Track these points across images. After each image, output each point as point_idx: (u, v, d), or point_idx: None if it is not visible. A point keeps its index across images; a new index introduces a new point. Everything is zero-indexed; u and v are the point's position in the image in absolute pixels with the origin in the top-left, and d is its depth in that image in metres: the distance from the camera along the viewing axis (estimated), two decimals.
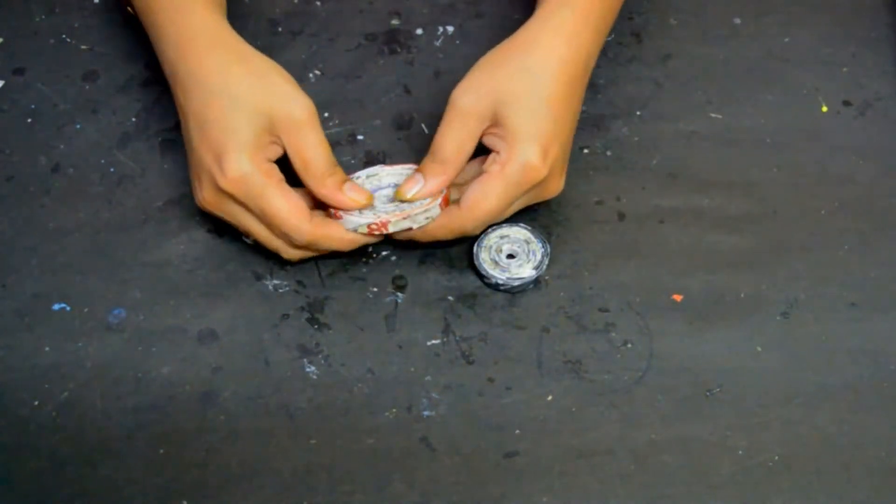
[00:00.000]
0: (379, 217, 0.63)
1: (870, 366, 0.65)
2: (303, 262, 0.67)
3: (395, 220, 0.63)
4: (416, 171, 0.64)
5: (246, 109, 0.61)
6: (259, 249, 0.67)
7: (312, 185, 0.63)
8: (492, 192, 0.62)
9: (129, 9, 0.72)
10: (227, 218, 0.64)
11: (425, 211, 0.63)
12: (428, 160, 0.64)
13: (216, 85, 0.62)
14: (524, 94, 0.63)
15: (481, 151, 0.65)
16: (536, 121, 0.62)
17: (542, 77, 0.63)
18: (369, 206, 0.64)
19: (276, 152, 0.63)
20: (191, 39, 0.64)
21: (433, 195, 0.64)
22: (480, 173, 0.64)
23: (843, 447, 0.62)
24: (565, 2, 0.66)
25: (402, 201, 0.64)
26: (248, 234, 0.65)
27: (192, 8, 0.65)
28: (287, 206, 0.61)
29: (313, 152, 0.62)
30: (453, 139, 0.63)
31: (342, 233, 0.63)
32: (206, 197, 0.63)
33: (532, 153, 0.62)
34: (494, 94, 0.63)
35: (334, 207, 0.63)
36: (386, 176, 0.67)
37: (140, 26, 0.77)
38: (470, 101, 0.63)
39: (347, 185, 0.63)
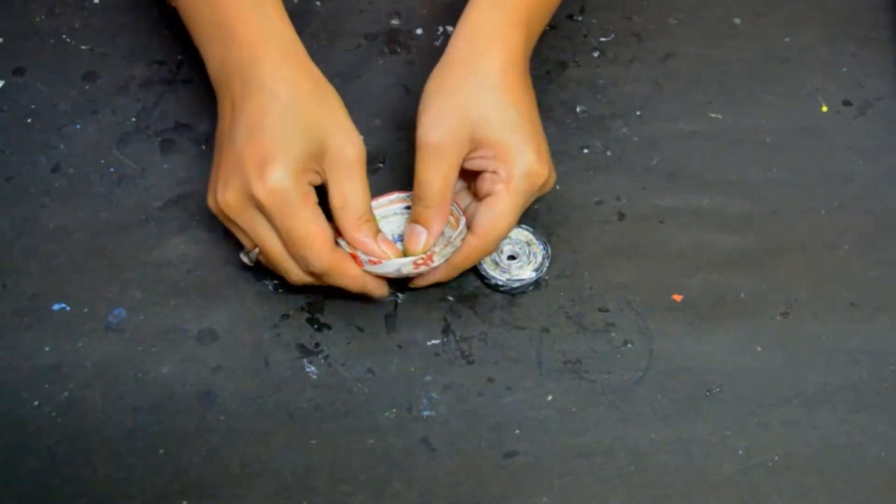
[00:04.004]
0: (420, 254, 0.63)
1: (870, 366, 0.65)
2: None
3: (439, 250, 0.63)
4: (411, 223, 0.64)
5: (305, 128, 0.60)
6: (257, 265, 0.66)
7: (347, 226, 0.62)
8: (506, 211, 0.62)
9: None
10: (242, 226, 0.62)
11: (459, 233, 0.63)
12: (420, 207, 0.63)
13: (283, 95, 0.61)
14: (494, 110, 0.62)
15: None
16: (517, 128, 0.62)
17: (500, 86, 0.63)
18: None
19: (315, 180, 0.62)
20: (264, 43, 0.63)
21: (438, 236, 0.63)
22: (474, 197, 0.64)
23: (843, 447, 0.62)
24: (493, 5, 0.65)
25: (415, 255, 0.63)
26: (254, 248, 0.63)
27: (269, 13, 0.64)
28: (316, 230, 0.60)
29: (355, 194, 0.62)
30: (437, 177, 0.62)
31: (356, 271, 0.63)
32: (230, 199, 0.61)
33: (531, 159, 0.62)
34: (466, 120, 0.62)
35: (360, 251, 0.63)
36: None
37: (140, 27, 0.77)
38: (442, 135, 0.62)
39: (380, 236, 0.63)
